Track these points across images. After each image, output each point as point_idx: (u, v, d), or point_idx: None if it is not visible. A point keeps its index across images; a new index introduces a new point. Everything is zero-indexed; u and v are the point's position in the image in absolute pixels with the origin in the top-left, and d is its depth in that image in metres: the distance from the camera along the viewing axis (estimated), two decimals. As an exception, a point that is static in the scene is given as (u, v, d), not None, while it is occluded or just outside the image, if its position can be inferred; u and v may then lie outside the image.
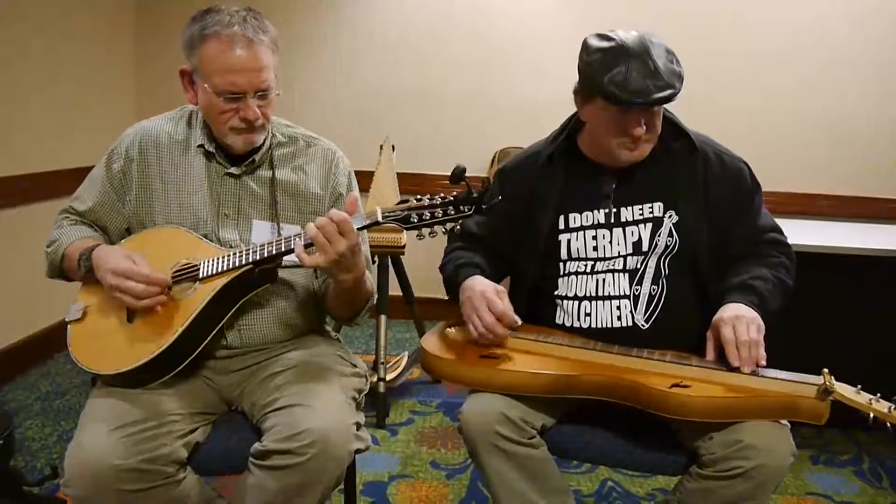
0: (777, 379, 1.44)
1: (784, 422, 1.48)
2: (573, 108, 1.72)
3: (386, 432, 2.74)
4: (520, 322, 1.62)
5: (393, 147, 3.05)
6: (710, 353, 1.54)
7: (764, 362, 1.47)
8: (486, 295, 1.61)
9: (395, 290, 3.08)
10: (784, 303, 1.65)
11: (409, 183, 3.65)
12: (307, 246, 1.43)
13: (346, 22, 3.93)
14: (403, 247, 2.83)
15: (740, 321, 1.50)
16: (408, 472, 2.46)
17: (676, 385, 1.45)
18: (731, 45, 3.74)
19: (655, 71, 1.52)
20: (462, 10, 3.87)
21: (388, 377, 2.88)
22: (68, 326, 1.58)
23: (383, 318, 2.88)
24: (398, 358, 3.18)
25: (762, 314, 1.55)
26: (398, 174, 3.00)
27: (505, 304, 1.61)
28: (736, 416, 1.44)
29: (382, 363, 2.84)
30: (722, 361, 1.51)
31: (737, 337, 1.48)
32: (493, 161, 3.87)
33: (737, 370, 1.47)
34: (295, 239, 1.45)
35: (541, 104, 3.73)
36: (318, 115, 3.95)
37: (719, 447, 1.44)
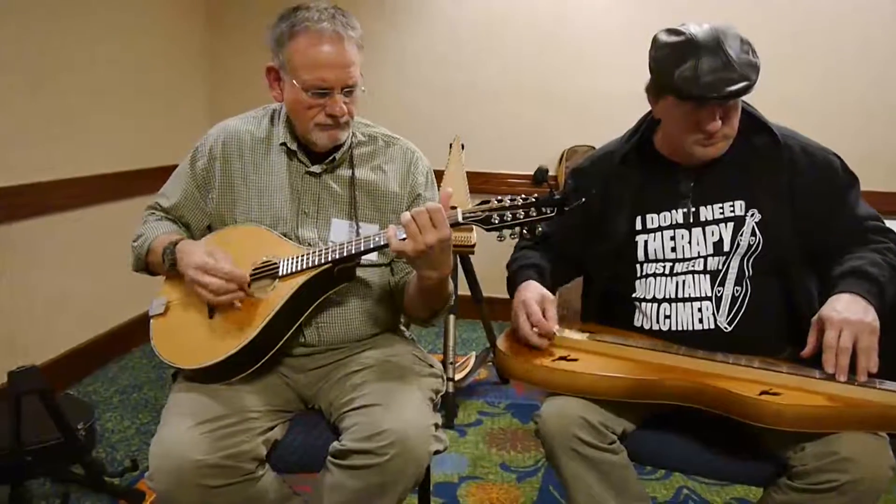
0: (875, 388, 1.37)
1: (882, 433, 1.40)
2: (644, 105, 1.67)
3: (454, 433, 2.74)
4: (557, 331, 1.59)
5: (462, 146, 3.04)
6: (812, 342, 1.45)
7: (875, 369, 1.39)
8: (527, 304, 1.59)
9: (463, 289, 3.07)
10: None
11: (477, 181, 3.63)
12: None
13: (412, 21, 3.94)
14: (473, 246, 2.80)
15: (849, 326, 1.40)
16: (478, 474, 2.44)
17: (765, 392, 1.39)
18: (805, 38, 3.61)
19: (728, 63, 1.46)
20: (528, 7, 3.84)
21: (457, 377, 2.87)
22: (151, 321, 1.61)
23: (452, 317, 2.86)
24: (466, 358, 3.17)
25: (879, 305, 1.45)
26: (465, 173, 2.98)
27: (549, 314, 1.58)
28: (830, 426, 1.36)
29: (451, 363, 2.82)
30: (816, 362, 1.43)
31: (839, 344, 1.39)
32: (560, 159, 3.83)
33: (832, 377, 1.40)
34: (391, 228, 1.42)
35: (610, 101, 3.68)
36: (387, 114, 3.93)
37: (812, 458, 1.37)
